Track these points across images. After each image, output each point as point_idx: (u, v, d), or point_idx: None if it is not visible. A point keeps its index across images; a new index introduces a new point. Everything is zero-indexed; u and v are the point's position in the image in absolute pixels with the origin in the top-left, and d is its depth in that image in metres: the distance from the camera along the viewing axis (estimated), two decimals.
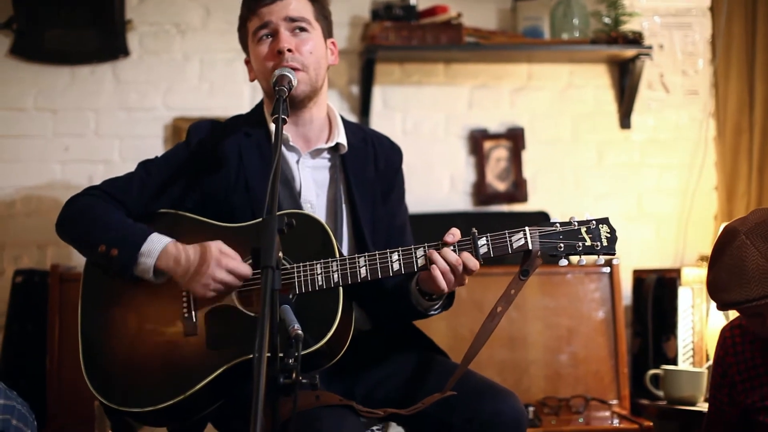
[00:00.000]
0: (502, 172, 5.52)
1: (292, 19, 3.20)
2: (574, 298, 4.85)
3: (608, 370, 4.81)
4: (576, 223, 2.99)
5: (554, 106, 5.65)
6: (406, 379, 3.17)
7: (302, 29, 3.22)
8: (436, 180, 5.55)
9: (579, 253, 2.97)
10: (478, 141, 5.53)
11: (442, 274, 2.90)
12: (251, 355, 2.84)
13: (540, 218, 5.33)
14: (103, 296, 3.15)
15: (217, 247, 2.95)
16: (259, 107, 3.42)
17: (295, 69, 3.14)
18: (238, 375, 2.96)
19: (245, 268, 2.95)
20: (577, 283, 4.87)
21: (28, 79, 5.38)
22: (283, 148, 3.24)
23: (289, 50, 3.16)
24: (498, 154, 5.53)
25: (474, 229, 2.96)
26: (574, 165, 5.63)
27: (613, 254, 3.00)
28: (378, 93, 5.52)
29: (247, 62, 3.40)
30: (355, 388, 3.17)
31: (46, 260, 5.26)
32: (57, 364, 4.59)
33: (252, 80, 3.37)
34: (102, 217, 3.13)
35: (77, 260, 4.99)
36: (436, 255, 2.91)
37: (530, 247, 2.95)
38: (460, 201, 5.55)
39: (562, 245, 2.96)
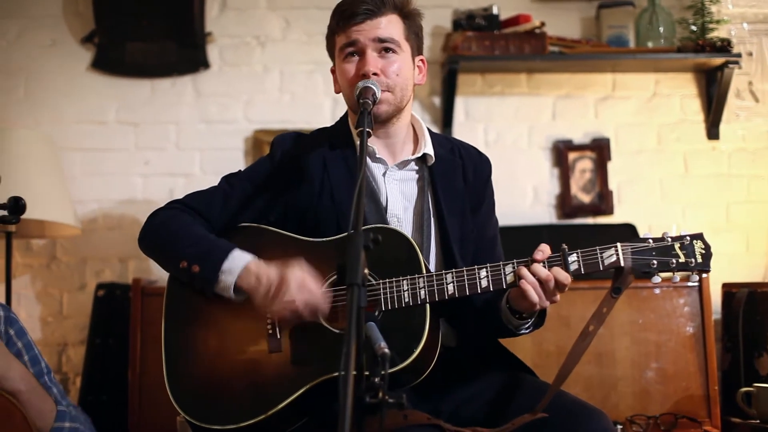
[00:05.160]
0: (587, 184, 5.43)
1: (381, 40, 3.14)
2: (662, 313, 4.74)
3: (698, 387, 4.68)
4: (669, 239, 2.90)
5: (640, 116, 5.55)
6: (493, 397, 3.09)
7: (390, 50, 3.16)
8: (519, 192, 5.48)
9: (672, 270, 2.89)
10: (562, 152, 5.45)
11: (533, 288, 2.83)
12: (336, 373, 2.80)
13: (627, 231, 5.25)
14: (187, 311, 3.12)
15: (300, 272, 2.90)
16: (343, 120, 3.38)
17: (381, 90, 3.10)
18: (323, 393, 2.91)
19: (323, 305, 2.89)
20: (666, 298, 4.75)
21: (109, 92, 5.42)
22: (369, 161, 3.20)
23: (375, 74, 3.11)
24: (583, 165, 5.44)
25: (564, 245, 2.89)
26: (661, 176, 5.52)
27: (708, 271, 2.90)
28: (460, 104, 5.46)
29: (333, 71, 3.34)
30: (441, 406, 3.09)
31: (127, 274, 5.28)
32: (138, 378, 4.58)
33: (337, 92, 3.31)
34: (184, 231, 3.10)
35: (159, 274, 4.99)
36: (525, 271, 2.85)
37: (622, 264, 2.88)
38: (544, 213, 5.46)
39: (655, 262, 2.88)
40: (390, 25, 3.16)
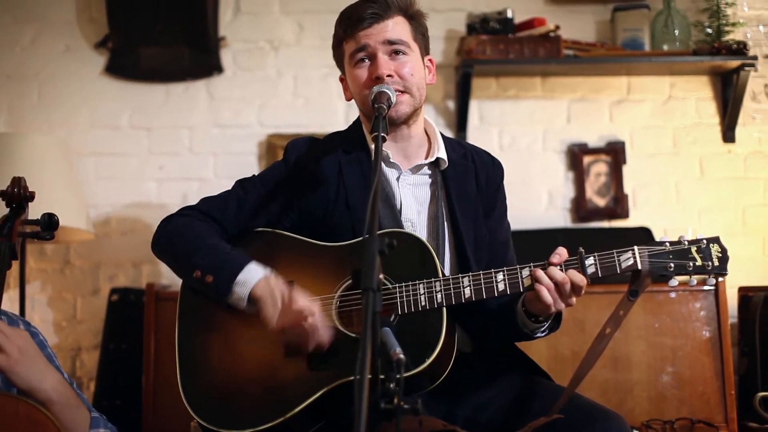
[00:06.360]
0: (602, 188, 5.41)
1: (391, 42, 3.15)
2: (677, 317, 4.71)
3: (714, 391, 4.65)
4: (686, 242, 2.89)
5: (655, 119, 5.52)
6: (509, 402, 3.08)
7: (400, 52, 3.16)
8: (534, 196, 5.45)
9: (689, 273, 2.88)
10: (577, 156, 5.43)
11: (548, 291, 2.82)
12: (351, 377, 2.80)
13: (642, 234, 5.23)
14: (201, 316, 3.11)
15: (309, 302, 2.89)
16: (357, 124, 3.37)
17: (398, 92, 3.09)
18: (339, 397, 2.89)
19: (326, 338, 2.89)
20: (681, 302, 4.71)
21: (123, 97, 5.42)
22: (383, 165, 3.19)
23: (389, 75, 3.11)
24: (598, 169, 5.41)
25: (581, 248, 2.88)
26: (676, 179, 5.48)
27: (725, 274, 2.88)
28: (474, 107, 5.45)
29: (342, 80, 3.35)
30: (457, 411, 3.08)
31: (141, 279, 5.28)
32: (152, 383, 4.57)
33: (348, 99, 3.32)
34: (198, 240, 3.08)
35: (172, 279, 4.98)
36: (540, 273, 2.84)
37: (639, 267, 2.86)
38: (559, 217, 5.44)
39: (672, 265, 2.87)
40: (397, 27, 3.17)
